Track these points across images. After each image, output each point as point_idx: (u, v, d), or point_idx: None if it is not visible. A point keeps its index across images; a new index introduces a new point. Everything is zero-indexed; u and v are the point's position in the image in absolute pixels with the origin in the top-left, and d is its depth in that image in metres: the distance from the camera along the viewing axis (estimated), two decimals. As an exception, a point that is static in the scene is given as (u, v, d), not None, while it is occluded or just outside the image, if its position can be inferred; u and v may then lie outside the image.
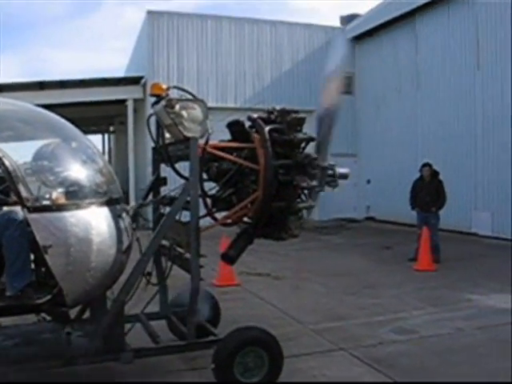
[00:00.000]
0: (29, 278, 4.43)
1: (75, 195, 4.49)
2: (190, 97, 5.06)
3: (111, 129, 30.87)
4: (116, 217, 4.65)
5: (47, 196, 4.43)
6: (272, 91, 19.69)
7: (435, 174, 11.66)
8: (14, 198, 4.70)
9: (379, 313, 7.55)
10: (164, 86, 5.12)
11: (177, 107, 4.82)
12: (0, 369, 4.29)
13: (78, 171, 4.71)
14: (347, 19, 21.66)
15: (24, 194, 4.21)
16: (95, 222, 4.41)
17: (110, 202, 4.66)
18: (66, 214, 4.27)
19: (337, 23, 22.32)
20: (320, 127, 5.68)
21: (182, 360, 5.44)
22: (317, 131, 5.67)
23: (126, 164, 21.36)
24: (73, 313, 5.17)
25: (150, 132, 5.67)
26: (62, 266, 4.22)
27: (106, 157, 30.96)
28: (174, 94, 5.18)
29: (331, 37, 20.92)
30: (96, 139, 31.14)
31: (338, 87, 5.76)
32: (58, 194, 4.47)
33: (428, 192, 11.44)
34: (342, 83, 5.91)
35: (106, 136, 32.58)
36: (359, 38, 20.89)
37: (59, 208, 4.29)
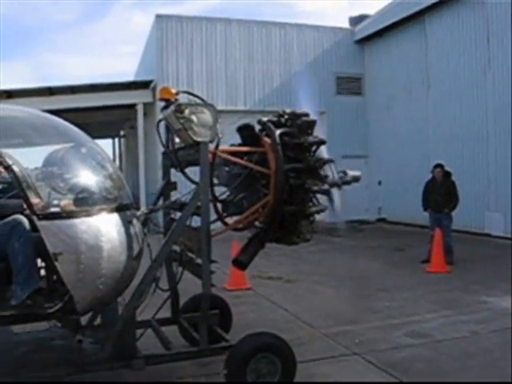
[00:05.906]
0: (34, 286, 4.33)
1: (85, 202, 4.46)
2: (199, 101, 5.02)
3: (121, 133, 30.95)
4: (126, 223, 4.61)
5: (57, 203, 4.41)
6: (282, 93, 19.57)
7: (447, 174, 11.56)
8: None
9: (393, 316, 7.48)
10: (173, 91, 5.09)
11: (186, 112, 4.78)
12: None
13: (88, 177, 4.68)
14: (356, 20, 21.62)
15: (34, 201, 4.18)
16: (105, 228, 4.37)
17: (120, 208, 4.62)
18: (76, 221, 4.23)
19: (345, 24, 22.27)
20: None
21: (195, 366, 5.39)
22: None
23: (136, 168, 21.36)
24: (84, 319, 5.16)
25: (159, 137, 5.65)
26: (72, 274, 4.18)
27: (117, 161, 31.05)
28: (183, 98, 5.15)
29: (340, 38, 20.91)
30: (106, 143, 31.31)
31: None
32: (67, 201, 4.45)
33: (440, 193, 11.34)
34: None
35: (117, 140, 32.67)
36: (368, 39, 20.84)
37: (69, 215, 4.25)
